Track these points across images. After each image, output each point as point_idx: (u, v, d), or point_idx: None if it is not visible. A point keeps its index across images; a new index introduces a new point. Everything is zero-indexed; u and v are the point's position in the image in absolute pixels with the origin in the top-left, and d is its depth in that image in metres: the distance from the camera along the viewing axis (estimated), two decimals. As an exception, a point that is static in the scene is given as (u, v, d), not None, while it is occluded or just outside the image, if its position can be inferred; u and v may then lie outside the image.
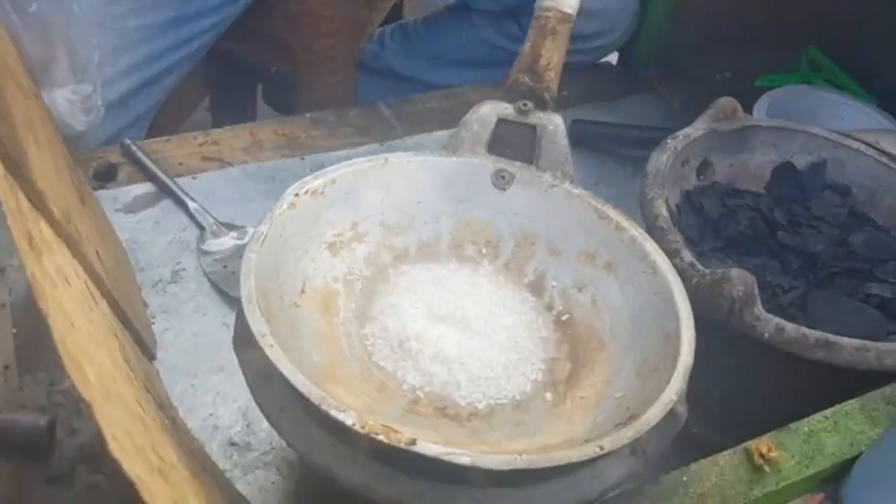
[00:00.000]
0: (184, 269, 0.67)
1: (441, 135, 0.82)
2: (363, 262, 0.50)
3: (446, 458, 0.34)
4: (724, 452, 0.44)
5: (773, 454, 0.43)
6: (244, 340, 0.41)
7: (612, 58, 1.01)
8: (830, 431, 0.46)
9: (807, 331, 0.48)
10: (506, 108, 0.53)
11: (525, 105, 0.53)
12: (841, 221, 0.61)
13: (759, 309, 0.48)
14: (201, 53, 0.86)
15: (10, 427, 0.52)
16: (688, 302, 0.45)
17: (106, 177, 0.73)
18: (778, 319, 0.48)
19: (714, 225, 0.60)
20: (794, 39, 0.97)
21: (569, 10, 0.55)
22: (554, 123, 0.53)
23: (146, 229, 0.69)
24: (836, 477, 0.46)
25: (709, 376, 0.43)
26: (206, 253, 0.68)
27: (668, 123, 0.80)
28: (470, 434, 0.43)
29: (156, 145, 0.77)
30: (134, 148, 0.74)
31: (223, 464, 0.54)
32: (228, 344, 0.45)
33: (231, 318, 0.61)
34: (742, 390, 0.53)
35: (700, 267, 0.50)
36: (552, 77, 0.53)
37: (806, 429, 0.46)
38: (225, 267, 0.66)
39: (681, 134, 0.60)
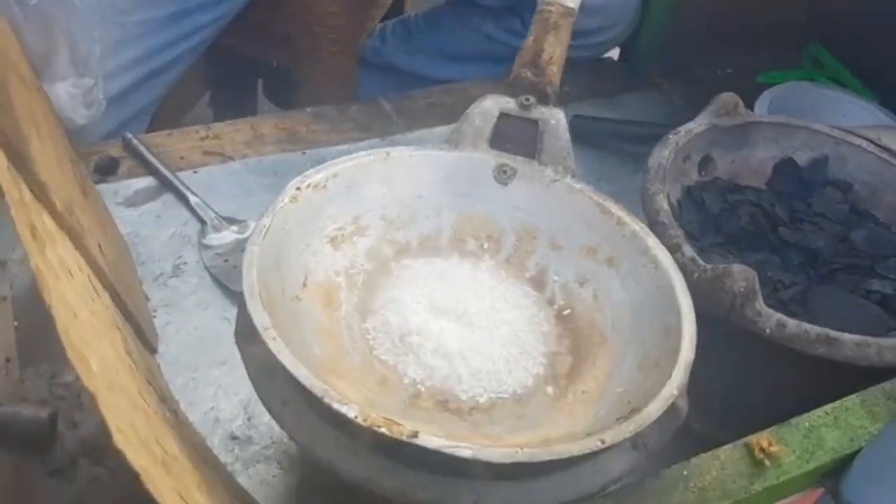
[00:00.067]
0: (185, 263, 0.67)
1: (442, 130, 0.82)
2: (365, 256, 0.50)
3: (448, 450, 0.34)
4: (725, 447, 0.44)
5: (773, 449, 0.44)
6: (246, 333, 0.41)
7: (614, 53, 1.01)
8: (831, 426, 0.46)
9: (808, 326, 0.48)
10: (508, 103, 0.53)
11: (527, 100, 0.53)
12: (842, 218, 0.61)
13: (760, 304, 0.48)
14: (203, 48, 0.86)
15: (12, 420, 0.52)
16: (689, 296, 0.45)
17: (107, 170, 0.73)
18: (779, 315, 0.48)
19: (715, 220, 0.60)
20: (795, 36, 0.97)
21: (571, 5, 0.55)
22: (556, 118, 0.53)
23: (147, 223, 0.69)
24: (836, 472, 0.46)
25: (710, 372, 0.43)
26: (207, 247, 0.68)
27: (669, 119, 0.80)
28: (471, 428, 0.43)
29: (157, 139, 0.77)
30: (135, 142, 0.74)
31: (224, 457, 0.54)
32: (230, 338, 0.45)
33: (232, 313, 0.62)
34: (743, 386, 0.53)
35: (701, 262, 0.50)
36: (554, 72, 0.53)
37: (806, 424, 0.46)
38: (226, 261, 0.67)
39: (682, 129, 0.60)
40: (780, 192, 0.63)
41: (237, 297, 0.53)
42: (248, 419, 0.56)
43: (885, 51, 0.90)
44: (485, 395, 0.45)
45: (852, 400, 0.48)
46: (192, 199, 0.70)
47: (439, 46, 0.99)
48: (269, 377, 0.40)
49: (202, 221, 0.69)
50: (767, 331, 0.48)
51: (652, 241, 0.48)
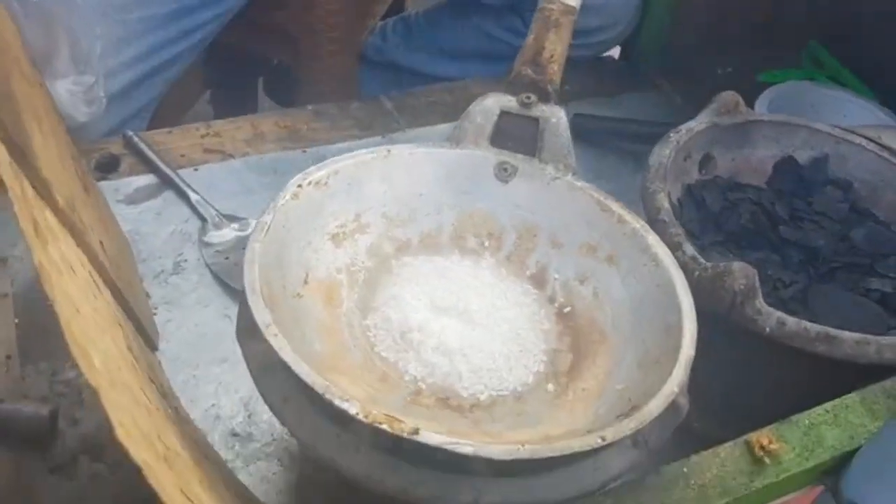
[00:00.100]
0: (185, 261, 0.67)
1: (443, 128, 0.82)
2: (366, 254, 0.50)
3: (449, 447, 0.34)
4: (725, 444, 0.44)
5: (773, 446, 0.44)
6: (248, 330, 0.41)
7: (614, 52, 1.01)
8: (831, 424, 0.46)
9: (808, 324, 0.48)
10: (509, 101, 0.53)
11: (528, 98, 0.53)
12: (842, 216, 0.61)
13: (760, 302, 0.48)
14: (204, 45, 0.86)
15: (13, 417, 0.52)
16: (690, 294, 0.45)
17: (108, 168, 0.73)
18: (779, 313, 0.48)
19: (715, 219, 0.60)
20: (796, 36, 0.97)
21: (572, 3, 0.55)
22: (557, 116, 0.53)
23: (148, 220, 0.69)
24: (836, 469, 0.46)
25: (710, 370, 0.43)
26: (207, 244, 0.68)
27: (669, 118, 0.80)
28: (472, 425, 0.43)
29: (158, 137, 0.77)
30: (136, 139, 0.74)
31: (225, 454, 0.54)
32: (230, 335, 0.45)
33: (233, 310, 0.62)
34: (743, 384, 0.53)
35: (702, 260, 0.50)
36: (555, 70, 0.53)
37: (806, 421, 0.46)
38: (227, 258, 0.67)
39: (683, 128, 0.60)
40: (781, 191, 0.63)
41: (238, 295, 0.53)
42: (249, 416, 0.56)
43: (886, 50, 0.90)
44: (485, 392, 0.45)
45: (852, 398, 0.48)
46: (193, 197, 0.71)
47: (440, 44, 0.99)
48: (271, 374, 0.40)
49: (203, 219, 0.69)
50: (767, 329, 0.48)
51: (652, 239, 0.48)
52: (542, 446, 0.36)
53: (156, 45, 0.80)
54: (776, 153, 0.64)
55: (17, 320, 0.58)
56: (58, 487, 0.50)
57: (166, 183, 0.72)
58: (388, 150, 0.51)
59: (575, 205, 0.51)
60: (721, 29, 0.93)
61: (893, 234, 0.61)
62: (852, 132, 0.65)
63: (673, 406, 0.40)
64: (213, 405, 0.57)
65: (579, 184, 0.51)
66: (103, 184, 0.71)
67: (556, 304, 0.51)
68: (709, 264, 0.50)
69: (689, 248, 0.51)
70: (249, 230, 0.65)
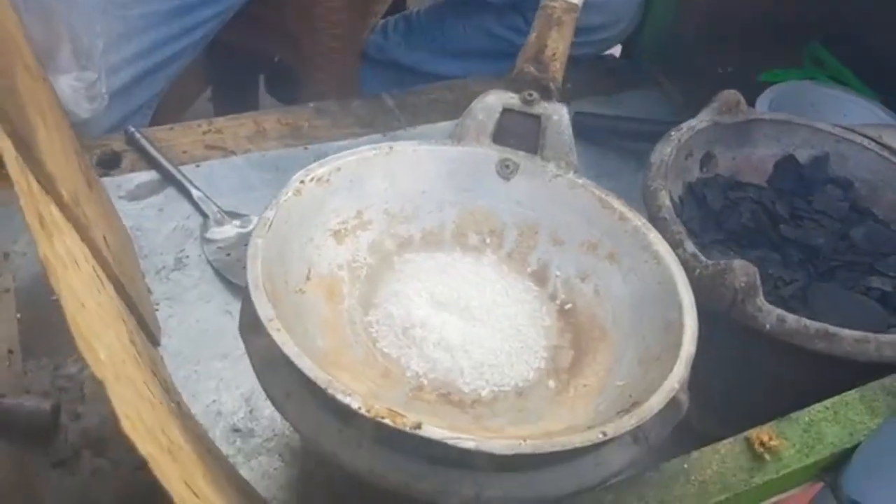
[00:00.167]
0: (187, 257, 0.67)
1: (444, 126, 0.82)
2: (367, 250, 0.51)
3: (451, 441, 0.35)
4: (725, 441, 0.45)
5: (773, 443, 0.44)
6: (250, 325, 0.42)
7: (616, 51, 1.01)
8: (830, 421, 0.46)
9: (808, 322, 0.48)
10: (511, 98, 0.53)
11: (530, 95, 0.53)
12: (842, 215, 0.61)
13: (760, 300, 0.48)
14: (205, 42, 0.86)
15: (15, 411, 0.52)
16: (690, 291, 0.45)
17: (110, 164, 0.73)
18: (779, 311, 0.49)
19: (716, 217, 0.60)
20: (796, 35, 0.97)
21: (575, 1, 0.55)
22: (558, 113, 0.53)
23: (150, 217, 0.69)
24: (835, 466, 0.46)
25: (710, 368, 0.43)
26: (209, 241, 0.68)
27: (670, 117, 0.81)
28: (473, 420, 0.43)
29: (159, 133, 0.77)
30: (138, 136, 0.74)
31: (226, 450, 0.54)
32: (232, 331, 0.45)
33: (234, 306, 0.62)
34: (743, 382, 0.53)
35: (703, 258, 0.50)
36: (557, 67, 0.53)
37: (806, 418, 0.46)
38: (228, 255, 0.67)
39: (684, 126, 0.60)
40: (781, 190, 0.63)
41: (239, 291, 0.53)
42: (250, 412, 0.57)
43: (886, 50, 0.90)
44: (487, 388, 0.45)
45: (852, 395, 0.48)
46: (195, 193, 0.71)
47: (441, 43, 0.99)
48: (273, 369, 0.41)
49: (204, 215, 0.69)
50: (768, 326, 0.48)
51: (653, 237, 0.48)
52: (543, 441, 0.36)
53: (157, 41, 0.80)
54: (777, 152, 0.65)
55: (19, 315, 0.59)
56: (60, 482, 0.51)
57: (168, 179, 0.72)
58: (391, 147, 0.51)
59: (576, 202, 0.51)
60: (722, 28, 0.93)
61: (893, 233, 0.61)
62: (853, 131, 0.65)
63: (673, 402, 0.40)
64: (214, 401, 0.57)
65: (581, 181, 0.52)
66: (105, 180, 0.71)
67: (558, 301, 0.51)
68: (710, 262, 0.50)
69: (690, 246, 0.51)
70: (251, 227, 0.66)
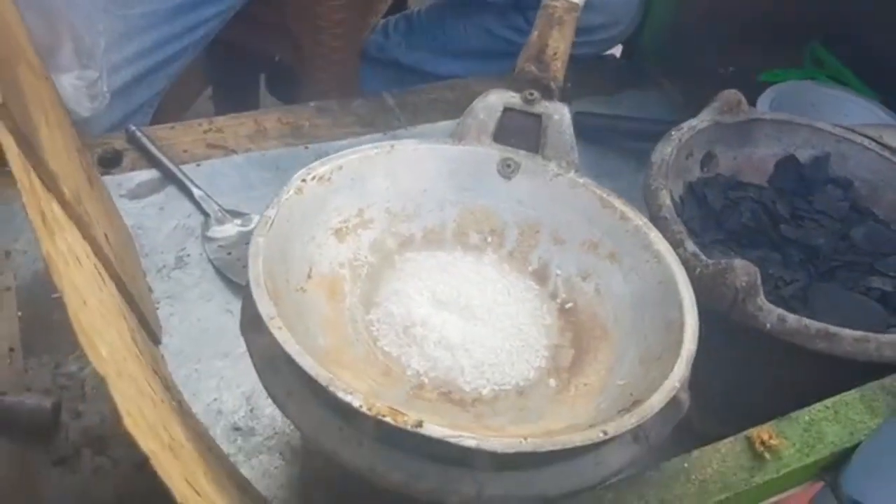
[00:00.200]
0: (188, 256, 0.67)
1: (445, 125, 0.83)
2: (369, 249, 0.51)
3: (452, 440, 0.35)
4: (726, 440, 0.45)
5: (774, 442, 0.44)
6: (252, 324, 0.42)
7: (616, 51, 1.01)
8: (831, 421, 0.46)
9: (808, 321, 0.48)
10: (512, 97, 0.53)
11: (531, 94, 0.53)
12: (843, 215, 0.61)
13: (761, 300, 0.48)
14: (206, 41, 0.86)
15: (16, 409, 0.52)
16: (691, 290, 0.45)
17: (111, 163, 0.73)
18: (780, 310, 0.49)
19: (717, 217, 0.60)
20: (797, 35, 0.97)
21: (576, 0, 0.55)
22: (560, 113, 0.53)
23: (151, 215, 0.70)
24: (835, 465, 0.46)
25: (710, 368, 0.43)
26: (210, 239, 0.68)
27: (671, 116, 0.81)
28: (474, 419, 0.43)
29: (160, 132, 0.77)
30: (139, 134, 0.74)
31: (227, 448, 0.54)
32: (233, 330, 0.45)
33: (235, 305, 0.62)
34: (744, 382, 0.53)
35: (703, 257, 0.50)
36: (559, 66, 0.53)
37: (807, 418, 0.46)
38: (229, 254, 0.67)
39: (685, 126, 0.60)
40: (782, 190, 0.63)
41: (240, 290, 0.53)
42: (251, 410, 0.57)
43: (886, 50, 0.90)
44: (487, 386, 0.45)
45: (852, 395, 0.48)
46: (196, 192, 0.71)
47: (442, 42, 0.99)
48: (274, 367, 0.41)
49: (205, 214, 0.70)
50: (768, 326, 0.48)
51: (654, 236, 0.48)
52: (544, 440, 0.36)
53: (158, 41, 0.80)
54: (777, 152, 0.65)
55: (20, 313, 0.59)
56: (60, 480, 0.51)
57: (169, 178, 0.72)
58: (392, 146, 0.51)
59: (577, 201, 0.51)
60: (723, 28, 0.93)
61: (893, 233, 0.61)
62: (853, 131, 0.65)
63: (674, 401, 0.40)
64: (215, 399, 0.57)
65: (582, 181, 0.52)
66: (106, 178, 0.71)
67: (558, 300, 0.51)
68: (710, 261, 0.50)
69: (691, 246, 0.51)
70: (252, 226, 0.66)
